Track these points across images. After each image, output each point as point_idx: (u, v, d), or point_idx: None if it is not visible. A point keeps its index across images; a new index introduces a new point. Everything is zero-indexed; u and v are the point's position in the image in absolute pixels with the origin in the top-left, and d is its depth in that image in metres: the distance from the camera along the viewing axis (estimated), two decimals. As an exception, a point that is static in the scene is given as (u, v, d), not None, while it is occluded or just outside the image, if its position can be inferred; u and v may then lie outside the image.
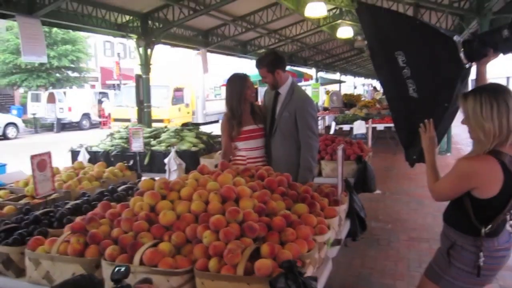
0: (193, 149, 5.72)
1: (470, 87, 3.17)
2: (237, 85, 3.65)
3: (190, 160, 5.50)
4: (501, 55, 2.53)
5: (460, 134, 15.24)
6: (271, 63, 3.64)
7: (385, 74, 2.75)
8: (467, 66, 2.45)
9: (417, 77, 2.55)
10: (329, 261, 2.41)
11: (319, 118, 16.21)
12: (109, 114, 22.45)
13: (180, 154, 5.53)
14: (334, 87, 28.17)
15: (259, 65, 3.67)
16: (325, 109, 17.87)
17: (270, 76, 3.64)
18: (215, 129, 7.71)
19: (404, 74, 2.57)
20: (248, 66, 18.54)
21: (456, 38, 2.43)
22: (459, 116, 2.69)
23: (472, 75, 2.58)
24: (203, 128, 7.27)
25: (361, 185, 4.55)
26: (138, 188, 2.85)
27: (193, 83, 21.65)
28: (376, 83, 46.60)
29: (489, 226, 2.18)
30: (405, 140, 2.77)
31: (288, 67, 18.87)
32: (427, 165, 2.44)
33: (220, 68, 23.24)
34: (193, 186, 2.52)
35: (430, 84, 2.52)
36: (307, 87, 20.96)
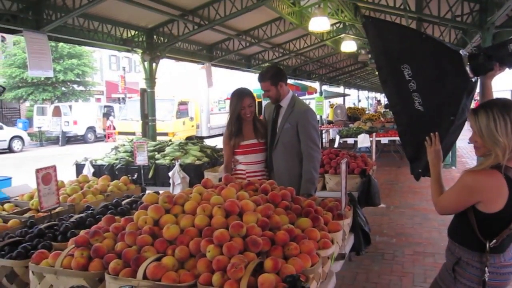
0: (197, 162, 5.73)
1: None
2: (233, 102, 3.71)
3: (194, 173, 5.52)
4: (506, 69, 2.53)
5: (465, 147, 15.19)
6: (274, 76, 3.68)
7: (391, 88, 2.75)
8: (473, 80, 2.45)
9: (423, 91, 2.56)
10: (333, 275, 2.39)
11: (323, 131, 16.24)
12: (114, 128, 22.58)
13: (184, 167, 5.54)
14: (338, 101, 28.21)
15: (262, 79, 3.71)
16: (329, 122, 17.93)
17: (273, 89, 3.67)
18: (219, 143, 7.70)
19: (410, 87, 2.58)
20: (252, 80, 18.65)
21: (462, 52, 2.44)
22: (465, 129, 2.69)
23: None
24: (207, 142, 7.29)
25: (365, 199, 4.54)
26: (142, 202, 2.85)
27: (198, 96, 21.75)
28: (380, 96, 46.68)
29: (494, 241, 2.16)
30: (411, 154, 2.76)
31: (292, 81, 19.04)
32: (431, 179, 2.43)
33: (224, 82, 23.35)
34: (197, 200, 2.52)
35: (436, 98, 2.52)
36: (311, 101, 21.05)
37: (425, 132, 2.51)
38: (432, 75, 2.50)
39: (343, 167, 2.75)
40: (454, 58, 2.40)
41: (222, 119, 23.31)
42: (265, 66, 14.34)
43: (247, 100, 3.66)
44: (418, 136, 2.58)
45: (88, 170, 5.87)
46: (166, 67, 21.88)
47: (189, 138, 16.77)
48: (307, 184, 3.54)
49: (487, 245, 2.16)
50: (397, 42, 2.64)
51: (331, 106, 20.02)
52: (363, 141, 11.31)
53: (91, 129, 25.73)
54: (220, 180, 3.53)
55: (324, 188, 4.86)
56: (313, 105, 18.84)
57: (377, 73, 2.89)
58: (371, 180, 4.66)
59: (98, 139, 25.79)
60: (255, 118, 3.79)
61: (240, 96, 3.68)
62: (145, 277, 1.99)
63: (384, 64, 2.74)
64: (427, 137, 2.49)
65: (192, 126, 20.58)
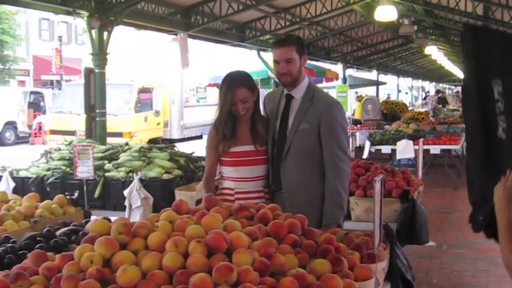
0: (166, 177, 5.73)
1: None
2: (221, 93, 3.73)
3: (161, 192, 5.52)
4: None
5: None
6: (301, 43, 3.75)
7: (474, 113, 2.84)
8: None
9: (510, 112, 2.62)
10: None
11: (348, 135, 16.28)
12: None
13: (147, 184, 5.54)
14: (369, 91, 28.28)
15: (284, 42, 3.73)
16: (356, 122, 17.91)
17: (297, 60, 3.69)
18: (198, 148, 7.69)
19: (496, 109, 2.66)
20: (246, 59, 18.67)
21: None
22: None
23: None
24: (180, 147, 7.29)
25: (407, 233, 4.56)
26: (87, 232, 2.86)
27: (167, 81, 21.73)
28: (428, 86, 46.54)
29: None
30: (477, 196, 2.82)
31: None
32: (499, 227, 2.46)
33: (206, 61, 23.34)
34: (166, 231, 2.53)
35: None
36: (330, 90, 21.08)
37: (503, 166, 2.55)
38: None
39: (377, 187, 2.76)
40: None
41: (201, 115, 23.30)
42: (266, 39, 14.39)
43: (240, 92, 3.65)
44: (491, 172, 2.63)
45: (6, 185, 5.85)
46: (123, 38, 21.84)
47: (153, 142, 16.77)
48: (334, 209, 3.58)
49: None
50: (495, 53, 2.72)
51: (359, 99, 19.99)
52: (405, 150, 11.33)
53: (11, 125, 25.64)
54: (198, 202, 3.54)
55: (348, 217, 4.87)
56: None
57: (460, 94, 3.04)
58: (416, 206, 4.68)
59: (20, 139, 25.70)
60: (255, 116, 3.80)
61: (230, 85, 3.67)
62: None
63: (472, 81, 2.83)
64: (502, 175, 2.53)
65: (158, 124, 20.59)
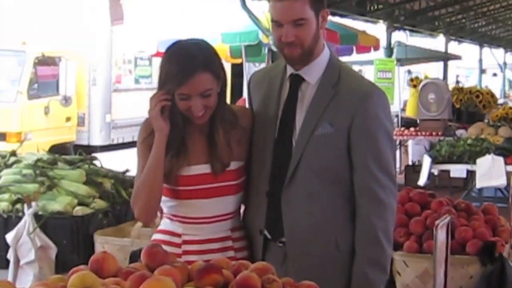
0: (79, 211, 5.74)
1: None
2: (164, 78, 3.60)
3: (69, 238, 5.52)
4: None
5: None
6: None
7: None
8: None
9: None
10: None
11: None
12: None
13: (47, 223, 5.55)
14: (431, 71, 28.39)
15: None
16: (408, 123, 17.95)
17: (311, 20, 3.64)
18: (135, 163, 7.75)
19: None
20: (222, 12, 18.78)
21: None
22: None
23: None
24: (106, 160, 7.31)
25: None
26: None
27: (85, 47, 21.69)
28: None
29: None
30: None
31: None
32: None
33: (152, 13, 23.41)
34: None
35: None
36: (366, 68, 21.15)
37: None
38: None
39: (441, 236, 2.80)
40: None
41: (142, 105, 23.11)
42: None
43: (201, 80, 3.49)
44: None
45: None
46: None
47: (60, 150, 16.67)
48: (370, 270, 3.59)
49: None
50: None
51: (414, 83, 20.00)
52: (491, 173, 11.37)
53: None
54: (135, 256, 3.55)
55: (391, 284, 4.92)
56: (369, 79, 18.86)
57: None
58: (507, 270, 4.71)
59: None
60: (216, 118, 3.67)
61: (185, 68, 3.50)
62: None
63: None
64: None
65: (69, 119, 20.52)
